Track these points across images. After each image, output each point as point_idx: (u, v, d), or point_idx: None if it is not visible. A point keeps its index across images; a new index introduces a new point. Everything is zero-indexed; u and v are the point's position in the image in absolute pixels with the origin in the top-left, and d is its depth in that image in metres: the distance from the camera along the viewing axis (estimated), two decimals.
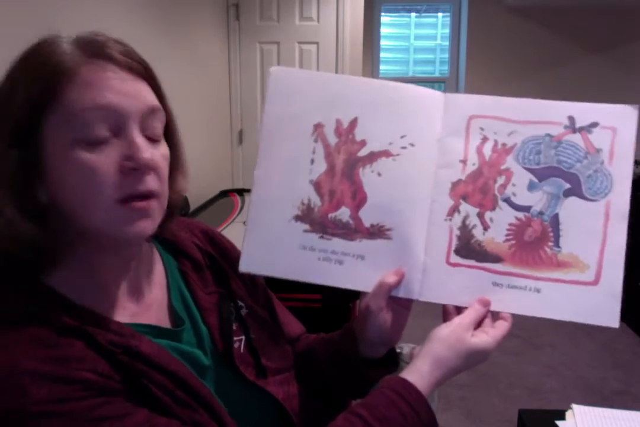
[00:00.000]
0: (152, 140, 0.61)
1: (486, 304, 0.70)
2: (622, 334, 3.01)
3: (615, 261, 0.69)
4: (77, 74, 0.56)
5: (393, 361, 0.80)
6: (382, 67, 4.37)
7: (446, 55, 4.35)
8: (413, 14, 4.38)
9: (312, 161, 0.73)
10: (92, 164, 0.56)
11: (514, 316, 0.70)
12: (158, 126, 0.61)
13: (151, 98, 0.61)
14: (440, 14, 4.36)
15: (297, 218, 0.72)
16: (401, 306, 0.73)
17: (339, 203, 0.72)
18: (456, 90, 4.32)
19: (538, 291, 0.70)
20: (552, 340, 2.91)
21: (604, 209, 0.69)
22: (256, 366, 0.72)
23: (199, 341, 0.69)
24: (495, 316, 0.70)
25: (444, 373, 0.65)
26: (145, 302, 0.68)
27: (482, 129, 0.73)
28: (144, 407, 0.56)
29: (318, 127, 0.73)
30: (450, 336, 0.67)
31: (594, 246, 0.69)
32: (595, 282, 0.69)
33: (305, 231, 0.72)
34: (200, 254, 0.77)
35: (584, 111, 0.71)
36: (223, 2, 3.51)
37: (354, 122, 0.73)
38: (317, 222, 0.72)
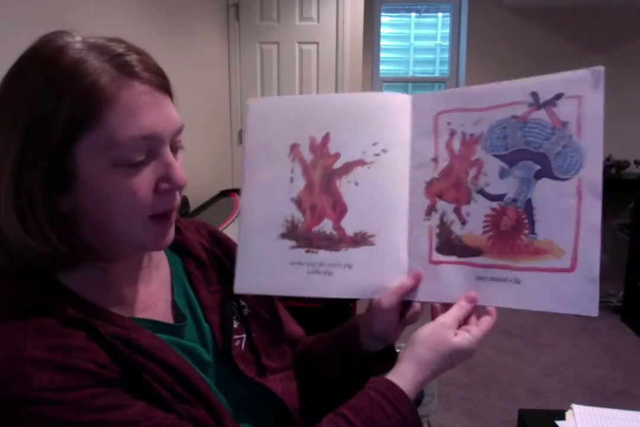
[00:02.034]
0: (174, 152, 0.63)
1: (472, 300, 0.69)
2: (622, 334, 3.01)
3: (590, 242, 0.64)
4: (117, 99, 0.56)
5: (391, 355, 0.82)
6: (382, 67, 4.37)
7: (446, 55, 4.35)
8: (413, 14, 4.39)
9: (292, 180, 0.75)
10: (132, 186, 0.58)
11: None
12: (180, 140, 0.64)
13: (177, 116, 0.63)
14: (440, 14, 4.36)
15: (283, 236, 0.74)
16: (410, 317, 0.76)
17: (321, 216, 0.74)
18: None
19: (518, 281, 0.67)
20: (552, 340, 2.91)
21: (576, 187, 0.65)
22: (256, 364, 0.73)
23: (201, 338, 0.71)
24: (481, 310, 0.69)
25: (428, 375, 0.66)
26: (150, 299, 0.69)
27: (449, 123, 0.72)
28: (143, 400, 0.58)
29: (294, 147, 0.75)
30: (432, 337, 0.66)
31: (568, 228, 0.65)
32: (572, 268, 0.65)
33: (292, 247, 0.74)
34: (206, 254, 0.78)
35: (547, 84, 0.67)
36: (223, 2, 3.51)
37: (326, 137, 0.75)
38: (302, 237, 0.74)
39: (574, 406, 1.01)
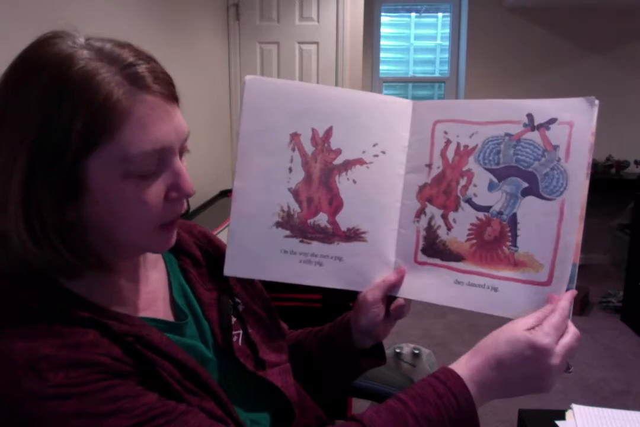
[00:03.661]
0: (180, 156, 0.64)
1: (553, 300, 0.66)
2: (622, 334, 3.01)
3: (566, 260, 0.67)
4: (131, 113, 0.56)
5: (380, 352, 0.86)
6: (382, 67, 4.37)
7: (446, 55, 4.35)
8: (413, 14, 4.38)
9: (290, 170, 0.76)
10: (143, 197, 0.59)
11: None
12: (186, 144, 0.64)
13: (185, 124, 0.63)
14: (440, 14, 4.36)
15: (278, 224, 0.77)
16: (395, 312, 0.79)
17: (317, 209, 0.77)
18: (456, 90, 4.32)
19: (495, 289, 0.71)
20: None
21: (559, 207, 0.68)
22: (254, 358, 0.75)
23: (201, 335, 0.72)
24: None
25: (482, 361, 0.63)
26: (150, 298, 0.70)
27: (445, 132, 0.75)
28: (155, 392, 0.59)
29: (294, 136, 0.76)
30: (493, 334, 0.65)
31: (548, 245, 0.68)
32: (548, 282, 0.68)
33: (286, 236, 0.77)
34: (200, 252, 0.80)
35: (543, 108, 0.69)
36: (223, 2, 3.51)
37: (329, 132, 0.76)
38: (297, 227, 0.77)
39: (574, 406, 1.01)
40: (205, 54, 3.17)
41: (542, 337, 0.61)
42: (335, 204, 0.77)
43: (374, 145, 0.77)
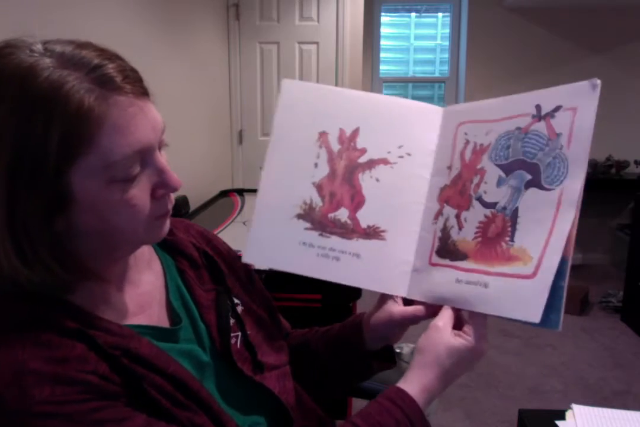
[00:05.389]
0: (159, 151, 0.62)
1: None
2: (622, 334, 3.01)
3: (555, 251, 0.63)
4: (105, 119, 0.54)
5: (390, 353, 0.87)
6: (382, 67, 4.37)
7: (446, 55, 4.35)
8: (413, 14, 4.38)
9: (316, 165, 0.79)
10: (131, 200, 0.58)
11: None
12: (164, 138, 0.63)
13: (160, 117, 0.61)
14: (440, 14, 4.36)
15: (300, 216, 0.78)
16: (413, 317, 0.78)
17: (339, 204, 0.78)
18: (456, 90, 4.32)
19: (486, 286, 0.68)
20: (552, 340, 2.90)
21: (557, 197, 0.64)
22: (253, 361, 0.73)
23: (198, 338, 0.71)
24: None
25: (433, 378, 0.68)
26: (144, 300, 0.69)
27: (466, 133, 0.76)
28: (144, 410, 0.57)
29: (322, 135, 0.79)
30: (429, 342, 0.69)
31: (541, 237, 0.65)
32: (533, 275, 0.64)
33: (306, 228, 0.78)
34: (197, 253, 0.78)
35: (549, 97, 0.68)
36: (223, 2, 3.51)
37: (355, 132, 0.79)
38: (318, 221, 0.78)
39: (574, 406, 1.01)
40: (205, 54, 3.17)
41: (475, 341, 0.68)
42: (357, 200, 0.78)
43: (400, 147, 0.78)
